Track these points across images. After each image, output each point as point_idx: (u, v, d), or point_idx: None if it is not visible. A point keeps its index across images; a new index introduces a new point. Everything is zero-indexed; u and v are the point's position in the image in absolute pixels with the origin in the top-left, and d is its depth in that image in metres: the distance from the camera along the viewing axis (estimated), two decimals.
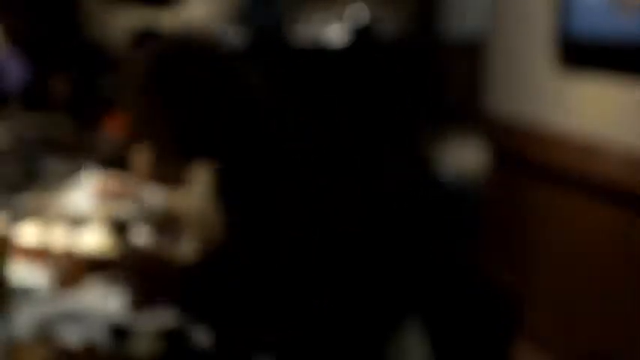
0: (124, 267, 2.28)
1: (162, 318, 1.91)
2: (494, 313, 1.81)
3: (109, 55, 4.74)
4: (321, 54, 6.22)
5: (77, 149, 3.64)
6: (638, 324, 2.83)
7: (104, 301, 2.07)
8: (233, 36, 6.05)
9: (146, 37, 4.43)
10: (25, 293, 2.13)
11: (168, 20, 6.33)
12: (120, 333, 1.82)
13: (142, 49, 2.06)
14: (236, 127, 1.74)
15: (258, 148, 1.71)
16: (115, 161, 3.24)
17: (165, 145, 1.95)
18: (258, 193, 1.72)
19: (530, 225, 3.44)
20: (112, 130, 3.73)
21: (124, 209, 2.73)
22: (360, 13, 6.84)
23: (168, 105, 1.79)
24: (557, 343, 3.22)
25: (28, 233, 2.62)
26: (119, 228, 2.51)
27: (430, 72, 6.88)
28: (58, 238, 2.44)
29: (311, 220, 1.70)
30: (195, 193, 2.46)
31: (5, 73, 5.38)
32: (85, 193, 2.88)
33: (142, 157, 2.87)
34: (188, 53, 1.80)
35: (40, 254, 2.43)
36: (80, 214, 2.76)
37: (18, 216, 2.81)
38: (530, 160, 3.39)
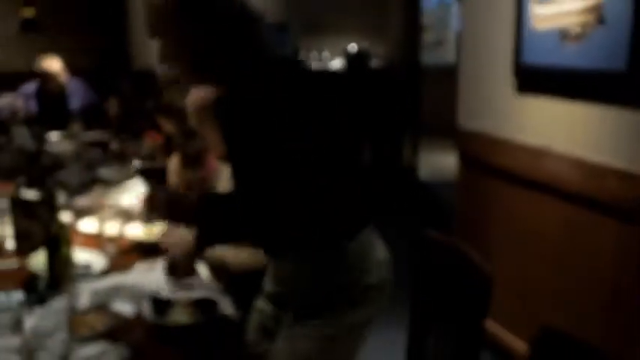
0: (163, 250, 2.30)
1: (195, 291, 1.92)
2: (469, 284, 1.79)
3: (153, 82, 4.74)
4: (327, 75, 6.26)
5: (125, 158, 3.66)
6: (581, 297, 2.83)
7: (148, 278, 2.07)
8: None
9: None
10: (86, 273, 2.15)
11: None
12: (161, 304, 1.83)
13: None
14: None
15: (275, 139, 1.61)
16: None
17: None
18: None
19: (493, 216, 3.44)
20: (151, 141, 3.73)
21: None
22: (354, 47, 6.89)
23: None
24: (516, 317, 3.22)
25: (88, 225, 2.64)
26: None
27: (411, 92, 6.88)
28: (112, 228, 2.45)
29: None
30: None
31: (71, 98, 5.40)
32: (131, 192, 2.89)
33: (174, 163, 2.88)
34: None
35: (97, 242, 2.45)
36: (128, 209, 2.77)
37: (81, 211, 2.83)
38: (492, 164, 3.39)
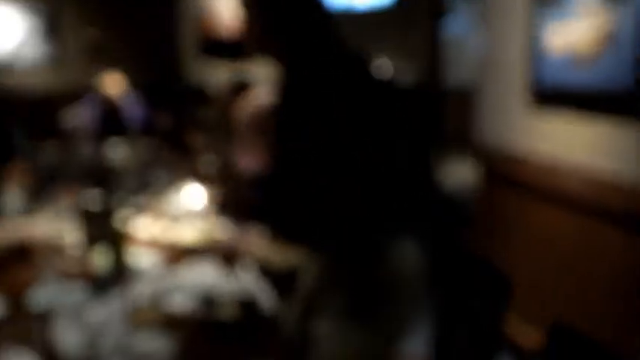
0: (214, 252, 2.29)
1: (240, 291, 1.90)
2: (492, 283, 1.76)
3: (202, 97, 4.76)
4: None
5: (176, 165, 3.66)
6: (592, 302, 2.78)
7: (198, 277, 2.06)
8: None
9: (240, 87, 4.43)
10: (142, 270, 2.14)
11: (249, 71, 6.35)
12: (209, 301, 1.81)
13: (238, 96, 2.00)
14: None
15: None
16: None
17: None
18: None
19: (510, 225, 3.39)
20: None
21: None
22: (384, 65, 6.84)
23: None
24: (531, 319, 3.16)
25: (142, 227, 2.63)
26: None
27: (436, 109, 6.84)
28: (164, 230, 2.44)
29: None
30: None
31: (127, 111, 5.44)
32: (182, 196, 2.88)
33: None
34: None
35: (153, 242, 2.44)
36: (180, 211, 2.77)
37: (135, 214, 2.83)
38: (510, 177, 3.34)
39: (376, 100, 1.66)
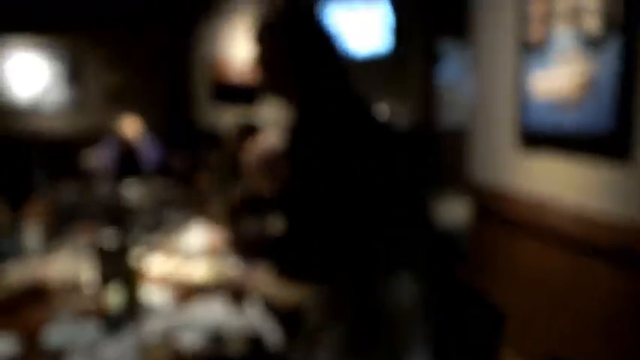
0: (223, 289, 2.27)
1: (247, 328, 1.87)
2: (486, 317, 1.73)
3: (214, 139, 4.78)
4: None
5: (189, 205, 3.65)
6: (582, 334, 2.74)
7: (208, 314, 2.03)
8: None
9: (248, 130, 4.46)
10: (154, 308, 2.12)
11: (258, 115, 6.39)
12: (218, 338, 1.79)
13: (244, 139, 1.99)
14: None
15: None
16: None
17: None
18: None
19: (502, 261, 3.36)
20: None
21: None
22: (382, 109, 6.85)
23: None
24: (523, 352, 3.12)
25: (155, 264, 2.61)
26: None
27: (430, 150, 6.86)
28: (176, 268, 2.42)
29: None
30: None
31: (144, 152, 5.47)
32: (193, 235, 2.86)
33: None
34: None
35: (165, 279, 2.41)
36: (192, 250, 2.75)
37: (148, 252, 2.81)
38: (501, 215, 3.33)
39: (378, 141, 1.66)
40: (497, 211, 3.35)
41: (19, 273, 2.53)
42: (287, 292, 2.18)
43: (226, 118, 6.19)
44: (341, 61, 1.68)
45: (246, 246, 1.88)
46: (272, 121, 6.38)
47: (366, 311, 1.62)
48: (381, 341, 1.63)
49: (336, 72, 1.67)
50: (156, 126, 6.45)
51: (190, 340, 1.83)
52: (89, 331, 1.82)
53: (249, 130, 4.43)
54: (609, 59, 2.47)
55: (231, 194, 2.35)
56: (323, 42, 1.66)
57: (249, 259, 2.05)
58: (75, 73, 7.07)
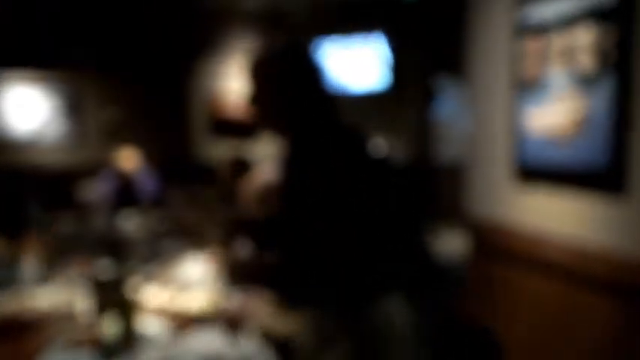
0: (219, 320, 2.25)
1: (244, 357, 1.86)
2: (483, 347, 1.72)
3: (209, 172, 4.80)
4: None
5: (185, 236, 3.64)
6: None
7: (205, 343, 2.01)
8: None
9: (239, 164, 4.48)
10: (151, 337, 2.10)
11: (252, 148, 6.43)
12: None
13: (236, 174, 2.01)
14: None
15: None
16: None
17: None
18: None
19: (500, 291, 3.35)
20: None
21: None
22: (379, 143, 6.88)
23: None
24: None
25: (151, 295, 2.60)
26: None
27: (427, 184, 6.89)
28: (172, 298, 2.40)
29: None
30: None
31: (140, 184, 5.48)
32: (190, 266, 2.85)
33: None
34: None
35: (161, 309, 2.40)
36: (187, 280, 2.73)
37: (144, 282, 2.79)
38: (498, 247, 3.33)
39: (372, 175, 1.67)
40: (495, 244, 3.35)
41: (15, 302, 2.52)
42: (282, 322, 2.17)
43: (221, 151, 6.23)
44: (331, 96, 1.71)
45: (240, 271, 1.88)
46: (266, 156, 6.43)
47: (358, 335, 1.61)
48: None
49: (326, 107, 1.70)
50: (153, 159, 6.49)
51: None
52: (87, 357, 1.81)
53: (240, 164, 4.47)
54: (603, 96, 2.50)
55: (225, 218, 2.36)
56: (313, 78, 1.69)
57: (243, 285, 2.04)
58: (73, 108, 7.10)
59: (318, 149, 1.61)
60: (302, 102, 1.68)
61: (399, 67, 6.84)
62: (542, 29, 2.88)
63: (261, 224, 1.93)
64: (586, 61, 2.59)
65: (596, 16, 2.53)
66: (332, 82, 1.73)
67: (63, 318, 1.92)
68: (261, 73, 1.70)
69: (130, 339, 1.94)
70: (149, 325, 2.18)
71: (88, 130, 7.17)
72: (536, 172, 2.99)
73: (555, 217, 2.86)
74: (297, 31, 5.89)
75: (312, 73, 1.70)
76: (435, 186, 7.18)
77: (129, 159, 5.44)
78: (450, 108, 8.90)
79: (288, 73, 1.69)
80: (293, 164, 1.67)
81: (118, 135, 6.67)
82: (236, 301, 2.36)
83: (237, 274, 1.75)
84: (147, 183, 5.50)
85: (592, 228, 2.63)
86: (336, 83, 1.74)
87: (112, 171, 5.45)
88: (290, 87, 1.68)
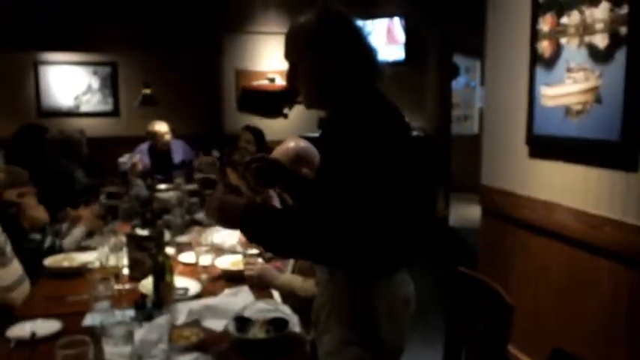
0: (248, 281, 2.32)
1: (268, 313, 1.92)
2: (496, 308, 1.70)
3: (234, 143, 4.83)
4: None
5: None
6: (583, 323, 2.75)
7: (233, 301, 2.09)
8: None
9: (253, 132, 4.54)
10: (184, 296, 2.18)
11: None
12: (242, 321, 1.84)
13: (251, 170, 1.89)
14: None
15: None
16: None
17: None
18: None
19: (510, 257, 3.38)
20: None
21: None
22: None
23: None
24: (529, 340, 3.13)
25: (187, 257, 2.68)
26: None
27: (443, 157, 6.85)
28: (205, 260, 2.47)
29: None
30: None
31: (174, 154, 5.57)
32: (221, 232, 2.92)
33: None
34: None
35: (193, 271, 2.48)
36: (218, 245, 2.80)
37: (181, 246, 2.88)
38: (509, 215, 3.35)
39: (408, 148, 1.60)
40: (506, 212, 3.37)
41: (63, 261, 2.62)
42: (303, 282, 2.23)
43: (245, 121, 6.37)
44: (370, 65, 1.61)
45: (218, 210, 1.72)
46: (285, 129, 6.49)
47: (370, 298, 1.58)
48: (382, 327, 1.58)
49: (365, 76, 1.60)
50: (187, 131, 6.59)
51: (217, 324, 1.88)
52: (126, 314, 1.87)
53: (254, 132, 4.53)
54: (616, 71, 2.48)
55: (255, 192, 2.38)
56: (353, 45, 1.59)
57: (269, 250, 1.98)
58: (110, 84, 7.28)
59: (356, 118, 1.50)
60: (342, 69, 1.57)
61: (420, 44, 6.79)
62: (559, 6, 2.86)
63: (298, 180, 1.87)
64: (599, 37, 2.57)
65: None
66: (371, 52, 1.62)
67: (106, 279, 1.99)
68: (303, 39, 1.59)
69: (165, 297, 2.00)
70: (183, 284, 2.26)
71: (123, 105, 7.32)
72: (548, 145, 2.99)
73: (566, 188, 2.87)
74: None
75: (352, 40, 1.59)
76: (450, 158, 7.15)
77: (161, 128, 5.55)
78: (468, 83, 8.78)
79: (330, 38, 1.57)
80: (331, 132, 1.59)
81: (152, 109, 6.78)
82: (261, 263, 2.43)
83: (249, 217, 1.62)
84: (178, 151, 5.60)
85: (600, 198, 2.64)
86: (374, 53, 1.63)
87: (148, 141, 5.55)
88: (331, 53, 1.56)
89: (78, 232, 2.97)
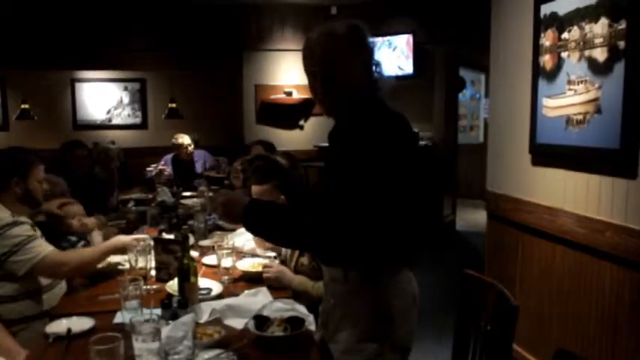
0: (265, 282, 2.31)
1: (287, 311, 1.91)
2: (501, 309, 1.70)
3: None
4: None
5: None
6: (586, 324, 2.71)
7: (253, 301, 2.08)
8: None
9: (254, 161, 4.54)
10: (207, 296, 2.18)
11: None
12: (262, 320, 1.83)
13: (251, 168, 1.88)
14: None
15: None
16: None
17: None
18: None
19: (515, 260, 3.35)
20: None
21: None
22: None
23: None
24: (534, 340, 3.09)
25: (210, 260, 2.68)
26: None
27: (449, 164, 6.82)
28: (226, 262, 2.47)
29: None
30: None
31: (196, 164, 5.61)
32: (242, 236, 2.92)
33: None
34: None
35: (216, 272, 2.48)
36: (238, 248, 2.80)
37: (205, 249, 2.88)
38: (513, 220, 3.32)
39: (415, 156, 1.59)
40: (510, 217, 3.34)
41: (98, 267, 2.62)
42: (318, 285, 2.22)
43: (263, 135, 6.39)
44: (379, 77, 1.61)
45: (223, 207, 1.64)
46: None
47: (387, 301, 1.58)
48: (393, 326, 1.58)
49: (375, 86, 1.59)
50: (209, 141, 6.64)
51: (238, 322, 1.88)
52: (154, 313, 1.88)
53: (265, 146, 4.54)
54: (615, 82, 2.46)
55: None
56: (367, 56, 1.59)
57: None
58: (142, 98, 7.39)
59: (365, 126, 1.49)
60: (356, 78, 1.56)
61: (428, 58, 6.78)
62: (559, 22, 2.84)
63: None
64: (599, 50, 2.55)
65: (609, 9, 2.49)
66: (380, 64, 1.61)
67: (135, 280, 1.99)
68: (321, 48, 1.57)
69: (190, 297, 2.01)
70: (206, 285, 2.26)
71: (150, 118, 7.41)
72: (550, 153, 2.97)
73: (568, 194, 2.85)
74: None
75: (366, 52, 1.59)
76: (456, 166, 7.12)
77: (184, 140, 5.60)
78: (474, 95, 8.73)
79: (347, 48, 1.55)
80: (339, 139, 1.57)
81: (177, 122, 6.85)
82: (278, 265, 2.43)
83: (256, 214, 1.57)
84: (200, 160, 5.64)
85: (601, 204, 2.61)
86: (382, 66, 1.62)
87: (173, 152, 5.60)
88: (347, 62, 1.55)
89: (97, 237, 2.96)
